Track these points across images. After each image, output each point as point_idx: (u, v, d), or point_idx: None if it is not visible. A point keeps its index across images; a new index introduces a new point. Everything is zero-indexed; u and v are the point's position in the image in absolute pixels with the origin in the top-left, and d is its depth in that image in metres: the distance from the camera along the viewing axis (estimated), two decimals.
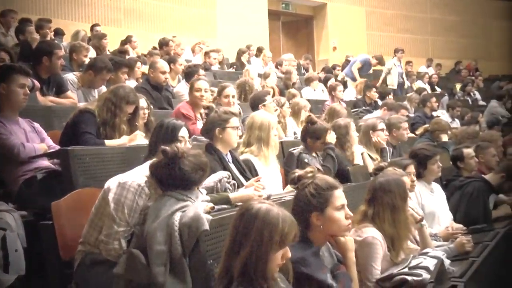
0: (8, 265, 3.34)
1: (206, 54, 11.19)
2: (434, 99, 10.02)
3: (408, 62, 15.53)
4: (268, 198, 3.63)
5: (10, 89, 4.21)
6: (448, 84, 15.06)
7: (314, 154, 5.17)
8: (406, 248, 3.46)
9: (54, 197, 3.50)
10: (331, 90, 9.60)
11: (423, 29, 19.73)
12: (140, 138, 4.63)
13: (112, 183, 3.23)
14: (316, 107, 9.23)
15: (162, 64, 6.94)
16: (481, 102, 14.18)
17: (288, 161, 5.16)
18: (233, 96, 6.31)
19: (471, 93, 14.57)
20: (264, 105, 6.19)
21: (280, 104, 6.86)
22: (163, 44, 10.86)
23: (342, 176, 4.97)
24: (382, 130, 6.03)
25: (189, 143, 3.80)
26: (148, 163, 3.29)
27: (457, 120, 10.58)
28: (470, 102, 13.97)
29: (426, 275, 3.11)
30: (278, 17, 18.03)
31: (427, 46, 19.61)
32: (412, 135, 8.24)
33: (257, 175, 4.26)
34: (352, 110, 9.56)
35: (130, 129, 4.68)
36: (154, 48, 10.99)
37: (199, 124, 5.67)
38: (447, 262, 3.44)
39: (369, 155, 5.88)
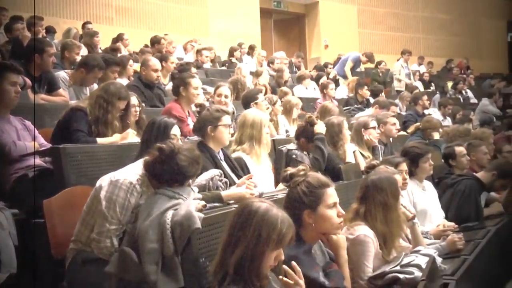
0: (0, 263, 3.32)
1: (198, 52, 11.17)
2: (425, 97, 10.03)
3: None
4: (260, 196, 3.63)
5: (1, 87, 4.19)
6: (439, 82, 15.09)
7: (305, 152, 5.16)
8: (398, 246, 3.47)
9: (46, 195, 3.50)
10: (323, 88, 9.62)
11: (415, 27, 19.80)
12: (131, 136, 4.62)
13: (104, 181, 3.22)
14: (308, 105, 9.23)
15: (154, 62, 6.92)
16: (473, 100, 14.24)
17: (277, 158, 5.15)
18: (225, 96, 6.28)
19: (463, 91, 14.62)
20: (256, 103, 6.19)
21: (272, 102, 6.86)
22: (155, 42, 10.85)
23: (334, 174, 4.97)
24: (374, 128, 6.03)
25: (180, 141, 3.79)
26: (140, 161, 3.29)
27: (448, 118, 10.60)
28: (462, 100, 14.01)
29: (418, 273, 3.11)
30: (270, 15, 18.03)
31: (419, 44, 19.66)
32: (404, 133, 8.26)
33: (249, 173, 4.27)
34: (344, 108, 9.57)
35: (122, 126, 4.67)
36: (146, 46, 10.96)
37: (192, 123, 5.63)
38: (439, 260, 3.45)
39: (361, 153, 5.89)
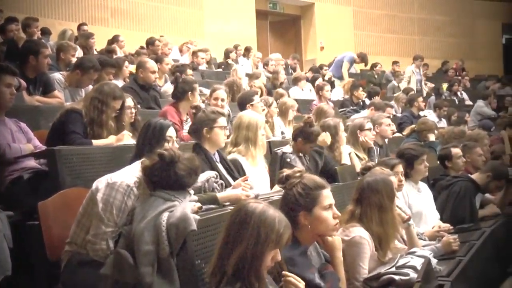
0: None
1: (194, 53, 11.17)
2: (421, 99, 10.06)
3: (395, 62, 15.59)
4: (256, 197, 3.63)
5: None
6: (435, 84, 15.11)
7: (300, 154, 5.16)
8: (393, 247, 3.47)
9: (41, 197, 3.49)
10: (319, 90, 9.63)
11: (410, 29, 19.83)
12: (127, 138, 4.62)
13: (100, 183, 3.21)
14: (304, 106, 9.25)
15: (152, 64, 6.93)
16: (468, 102, 14.25)
17: (272, 161, 5.17)
18: (222, 100, 6.27)
19: (458, 93, 14.64)
20: (252, 105, 6.19)
21: (267, 104, 6.86)
22: (150, 43, 10.86)
23: (330, 175, 4.98)
24: (369, 129, 6.05)
25: (176, 143, 3.79)
26: (137, 163, 3.29)
27: (444, 120, 10.62)
28: (457, 102, 14.03)
29: (413, 274, 3.12)
30: (266, 16, 18.04)
31: (414, 46, 19.69)
32: (399, 134, 8.28)
33: (244, 174, 4.26)
34: (340, 110, 9.58)
35: (117, 127, 4.67)
36: (142, 47, 10.96)
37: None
38: (434, 261, 3.46)
39: (357, 155, 5.90)
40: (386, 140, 6.70)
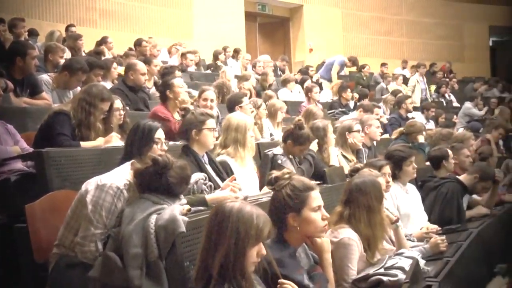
0: None
1: (183, 55, 11.16)
2: (409, 101, 10.09)
3: (383, 64, 15.66)
4: (244, 199, 3.63)
5: None
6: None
7: (290, 156, 5.17)
8: (381, 248, 3.48)
9: (28, 199, 3.47)
10: (308, 91, 9.64)
11: (398, 31, 19.93)
12: (115, 140, 4.60)
13: (90, 185, 3.20)
14: (293, 108, 9.26)
15: (142, 66, 6.91)
16: (455, 104, 14.34)
17: (263, 162, 5.18)
18: (211, 100, 6.27)
19: (446, 95, 14.72)
20: (240, 107, 6.19)
21: (256, 105, 6.86)
22: (137, 44, 10.83)
23: (319, 177, 4.99)
24: (358, 131, 6.07)
25: (165, 144, 3.79)
26: (126, 165, 3.28)
27: (431, 122, 10.67)
28: (445, 104, 14.10)
29: (401, 275, 3.13)
30: (255, 18, 18.06)
31: (402, 47, 19.79)
32: (388, 136, 8.31)
33: None
34: (328, 112, 9.60)
35: (105, 129, 4.66)
36: (130, 49, 10.92)
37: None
38: (422, 262, 3.47)
39: (345, 156, 5.92)
40: (375, 142, 6.72)
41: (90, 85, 4.84)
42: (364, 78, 13.72)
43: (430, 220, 5.00)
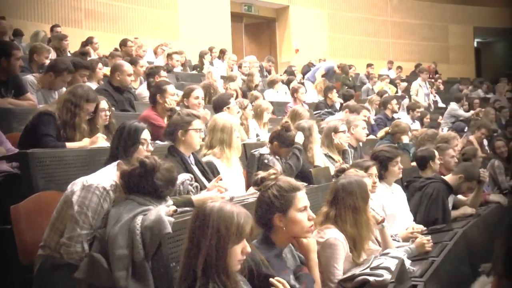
0: None
1: (169, 56, 11.13)
2: (395, 101, 10.13)
3: (369, 65, 15.72)
4: (231, 200, 3.63)
5: None
6: (408, 86, 15.25)
7: (277, 157, 5.18)
8: (367, 249, 3.50)
9: (13, 201, 3.45)
10: (294, 92, 9.65)
11: (384, 32, 20.03)
12: (101, 141, 4.58)
13: (75, 186, 3.19)
14: (279, 109, 9.27)
15: (129, 67, 6.89)
16: (441, 104, 14.42)
17: (250, 162, 5.18)
18: (202, 98, 6.29)
19: (431, 96, 14.78)
20: (228, 108, 6.19)
21: (242, 106, 6.86)
22: (122, 44, 10.81)
23: (304, 177, 4.99)
24: (343, 132, 6.08)
25: (151, 145, 3.78)
26: (113, 166, 3.27)
27: (417, 122, 10.72)
28: (432, 104, 14.17)
29: (387, 275, 3.14)
30: (241, 19, 18.07)
31: (388, 48, 19.90)
32: (373, 136, 8.35)
33: None
34: (314, 112, 9.62)
35: (90, 130, 4.64)
36: (116, 49, 10.89)
37: None
38: (407, 262, 3.49)
39: (331, 157, 5.93)
40: (361, 143, 6.74)
41: (76, 85, 4.81)
42: (350, 79, 13.77)
43: (415, 220, 5.02)
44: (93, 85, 6.66)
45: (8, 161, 4.22)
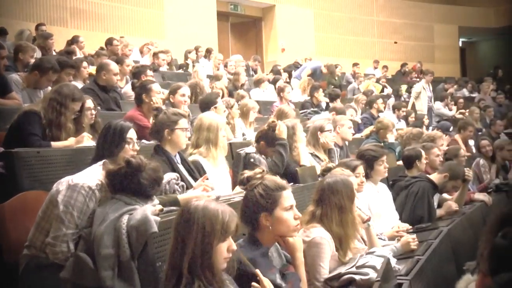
0: None
1: (155, 55, 11.09)
2: (381, 101, 10.17)
3: (355, 64, 15.78)
4: (217, 199, 3.63)
5: None
6: (394, 85, 15.34)
7: (263, 156, 5.18)
8: (353, 247, 3.51)
9: None
10: (280, 91, 9.66)
11: (370, 31, 20.10)
12: (87, 140, 4.57)
13: (61, 185, 3.18)
14: (265, 108, 9.28)
15: (115, 67, 6.87)
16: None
17: (236, 161, 5.18)
18: (189, 96, 6.28)
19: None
20: (215, 107, 6.19)
21: (229, 105, 6.86)
22: (108, 43, 10.75)
23: (290, 177, 5.00)
24: (329, 131, 6.10)
25: (137, 145, 3.77)
26: (98, 165, 3.26)
27: (402, 121, 10.78)
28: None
29: (373, 274, 3.16)
30: (227, 18, 18.05)
31: (374, 48, 19.98)
32: (360, 135, 8.38)
33: None
34: (300, 112, 9.63)
35: (76, 129, 4.62)
36: (102, 48, 10.83)
37: None
38: (393, 260, 3.51)
39: (317, 156, 5.94)
40: (347, 142, 6.77)
41: (61, 85, 4.79)
42: (336, 78, 13.81)
43: (401, 219, 5.05)
44: (79, 84, 6.64)
45: None
